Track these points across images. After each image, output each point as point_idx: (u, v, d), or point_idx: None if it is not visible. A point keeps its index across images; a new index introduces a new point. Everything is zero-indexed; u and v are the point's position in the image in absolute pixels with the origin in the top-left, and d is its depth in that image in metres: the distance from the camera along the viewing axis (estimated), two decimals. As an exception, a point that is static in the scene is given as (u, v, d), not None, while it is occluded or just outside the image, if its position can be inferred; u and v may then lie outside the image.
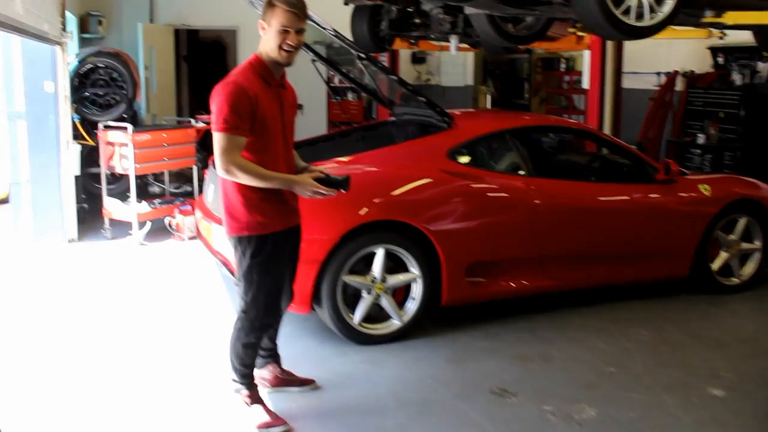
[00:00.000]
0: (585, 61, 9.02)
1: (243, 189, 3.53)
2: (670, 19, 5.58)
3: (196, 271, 6.72)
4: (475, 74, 15.04)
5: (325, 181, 3.59)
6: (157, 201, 8.28)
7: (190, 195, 8.95)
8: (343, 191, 3.63)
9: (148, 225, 7.88)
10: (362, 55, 5.57)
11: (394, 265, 5.00)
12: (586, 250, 5.73)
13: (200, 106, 11.41)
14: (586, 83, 9.05)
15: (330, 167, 4.88)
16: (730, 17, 6.10)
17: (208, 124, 8.89)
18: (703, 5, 5.96)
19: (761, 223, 6.30)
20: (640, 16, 5.45)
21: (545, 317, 5.64)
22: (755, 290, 6.38)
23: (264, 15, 3.50)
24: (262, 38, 3.55)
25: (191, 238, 7.75)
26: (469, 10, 7.05)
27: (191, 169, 8.70)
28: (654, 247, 5.99)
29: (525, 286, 5.46)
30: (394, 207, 4.98)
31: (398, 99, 6.62)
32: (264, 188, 3.51)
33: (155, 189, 9.49)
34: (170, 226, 7.90)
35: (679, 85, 11.77)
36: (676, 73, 11.84)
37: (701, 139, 10.29)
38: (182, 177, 9.62)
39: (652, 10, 5.45)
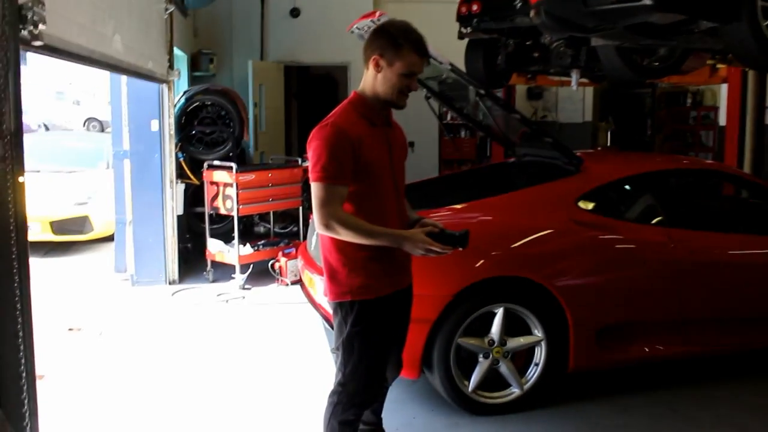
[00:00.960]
0: (722, 95, 8.24)
1: (345, 247, 3.06)
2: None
3: (297, 322, 6.30)
4: (594, 110, 14.31)
5: (440, 236, 3.06)
6: (261, 243, 7.96)
7: (295, 236, 8.63)
8: (460, 249, 3.10)
9: (251, 267, 7.55)
10: (482, 92, 5.06)
11: (514, 326, 4.43)
12: (732, 312, 4.98)
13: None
14: (723, 119, 8.25)
15: (442, 216, 4.39)
16: None
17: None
18: None
19: None
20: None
21: (687, 390, 4.90)
22: None
23: (382, 51, 3.03)
24: (373, 76, 3.09)
25: (294, 282, 7.38)
26: (595, 41, 6.46)
27: (297, 209, 8.36)
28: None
29: (662, 352, 4.76)
30: (515, 261, 4.42)
31: (519, 138, 6.07)
32: (369, 246, 3.03)
33: (260, 229, 9.22)
34: (273, 269, 7.56)
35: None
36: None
37: None
38: (288, 216, 9.33)
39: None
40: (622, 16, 5.02)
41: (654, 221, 4.92)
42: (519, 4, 7.96)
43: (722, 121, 8.34)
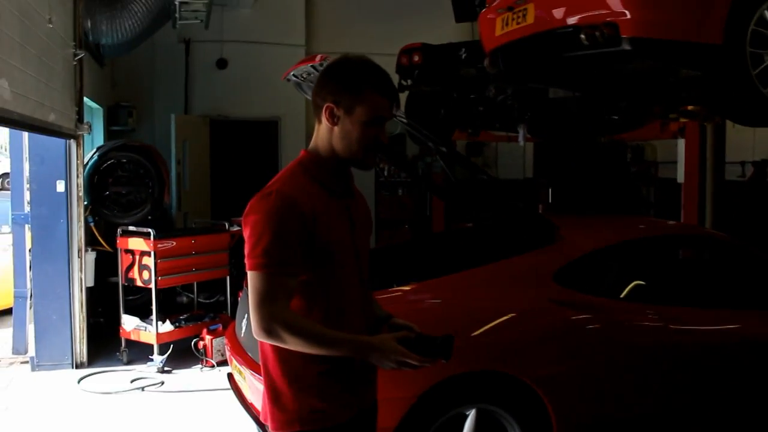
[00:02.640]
0: (680, 150, 7.79)
1: (291, 359, 2.28)
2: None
3: (225, 415, 5.43)
4: (534, 166, 13.88)
5: (417, 344, 2.30)
6: (183, 318, 7.06)
7: (222, 307, 7.74)
8: (444, 361, 2.35)
9: (171, 347, 6.64)
10: (443, 149, 4.38)
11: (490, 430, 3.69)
12: (724, 405, 4.33)
13: (241, 206, 10.36)
14: (681, 176, 7.79)
15: (391, 298, 3.68)
16: None
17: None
18: None
19: None
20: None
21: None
22: None
23: (337, 97, 2.31)
24: (328, 130, 2.36)
25: (221, 363, 6.52)
26: (554, 93, 5.92)
27: (224, 279, 7.49)
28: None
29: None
30: (486, 353, 3.71)
31: (477, 200, 5.40)
32: (324, 357, 2.27)
33: (183, 299, 8.30)
34: (197, 348, 6.66)
35: (770, 175, 10.48)
36: (765, 163, 10.57)
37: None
38: (214, 284, 8.44)
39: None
40: (596, 63, 4.47)
41: (643, 298, 4.26)
42: (464, 55, 7.42)
43: (681, 178, 7.84)
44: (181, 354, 6.72)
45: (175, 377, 6.38)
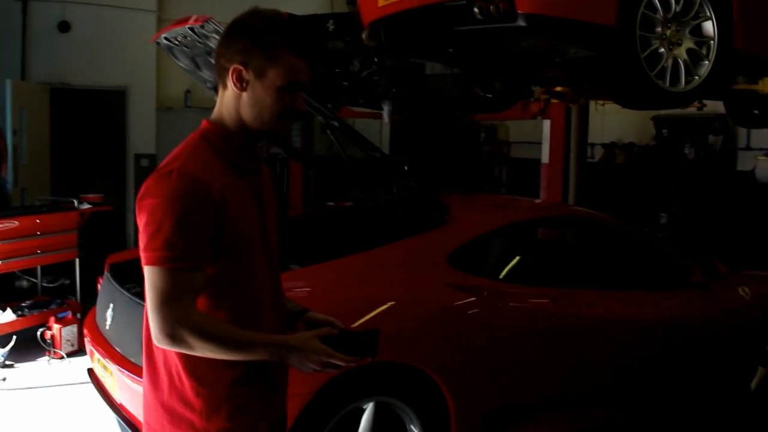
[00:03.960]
0: (544, 131, 7.86)
1: (198, 366, 1.95)
2: (708, 85, 4.49)
3: (79, 413, 4.94)
4: (390, 144, 13.79)
5: (341, 341, 2.04)
6: (25, 305, 6.40)
7: (70, 291, 7.11)
8: (370, 358, 2.09)
9: (14, 338, 5.98)
10: (335, 123, 4.07)
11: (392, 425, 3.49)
12: (615, 382, 4.37)
13: (85, 182, 9.63)
14: (545, 156, 7.88)
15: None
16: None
17: (96, 205, 7.16)
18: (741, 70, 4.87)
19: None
20: (674, 80, 4.36)
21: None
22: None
23: (246, 58, 1.97)
24: (235, 97, 2.01)
25: (72, 354, 5.98)
26: (432, 68, 5.75)
27: (73, 261, 6.86)
28: (692, 370, 4.71)
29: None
30: (384, 343, 3.46)
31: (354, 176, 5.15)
32: (237, 362, 1.96)
33: (23, 284, 7.57)
34: (44, 338, 6.06)
35: (620, 157, 10.89)
36: (614, 145, 10.98)
37: (664, 218, 9.27)
38: (59, 267, 7.75)
39: (688, 73, 4.37)
40: (488, 39, 4.31)
41: (539, 281, 4.17)
42: (332, 27, 7.12)
43: (545, 158, 7.93)
44: (25, 345, 6.07)
45: (19, 372, 5.76)
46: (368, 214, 4.89)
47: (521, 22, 3.92)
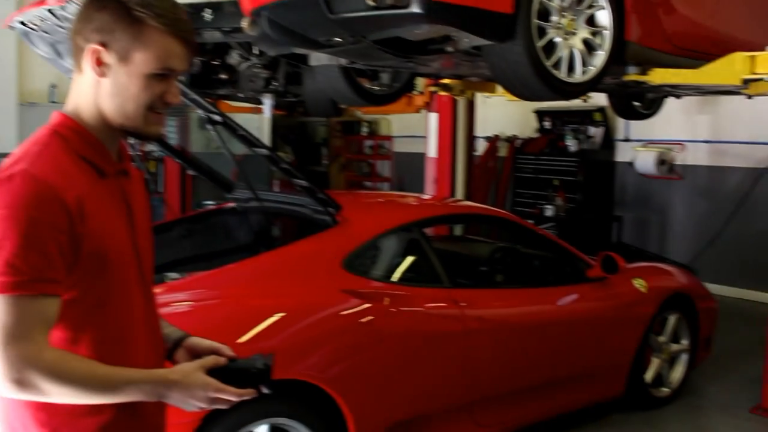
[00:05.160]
0: (430, 125, 7.69)
1: (55, 417, 1.59)
2: (602, 75, 4.42)
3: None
4: (273, 140, 13.40)
5: (231, 372, 1.72)
6: None
7: None
8: (266, 391, 1.79)
9: None
10: (217, 118, 3.71)
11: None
12: (520, 382, 4.25)
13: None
14: (432, 150, 7.71)
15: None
16: (658, 76, 5.02)
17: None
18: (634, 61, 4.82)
19: (688, 318, 5.21)
20: (571, 70, 4.27)
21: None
22: (685, 398, 5.27)
23: (108, 37, 1.60)
24: (94, 83, 1.64)
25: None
26: (318, 60, 5.46)
27: None
28: (591, 365, 4.68)
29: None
30: (276, 359, 3.17)
31: (236, 177, 4.81)
32: (104, 407, 1.61)
33: None
34: None
35: (502, 150, 10.91)
36: (497, 138, 10.99)
37: (550, 211, 9.30)
38: None
39: (584, 63, 4.29)
40: (379, 26, 4.06)
41: (438, 283, 3.96)
42: (209, 16, 6.72)
43: (432, 152, 7.76)
44: None
45: None
46: (254, 215, 4.55)
47: (416, 9, 3.69)
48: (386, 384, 3.52)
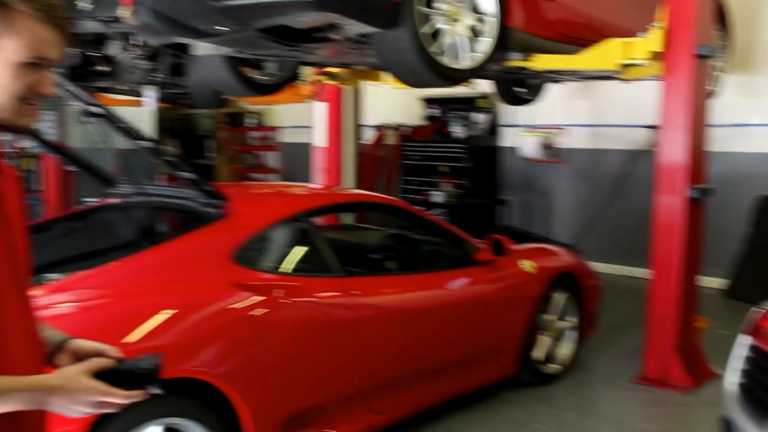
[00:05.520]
0: (317, 114, 7.67)
1: None
2: (488, 61, 4.52)
3: None
4: (160, 132, 13.02)
5: (118, 374, 1.64)
6: None
7: None
8: (155, 391, 1.72)
9: None
10: (100, 110, 3.55)
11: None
12: (415, 367, 4.30)
13: None
14: (319, 140, 7.69)
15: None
16: (541, 61, 5.16)
17: None
18: (518, 47, 4.94)
19: (574, 296, 5.39)
20: (457, 56, 4.34)
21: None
22: (573, 373, 5.46)
23: None
24: None
25: None
26: (203, 49, 5.34)
27: None
28: (483, 346, 4.78)
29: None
30: (168, 358, 3.08)
31: (120, 171, 4.65)
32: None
33: None
34: None
35: (390, 139, 10.97)
36: (385, 126, 11.04)
37: (439, 197, 9.42)
38: None
39: (469, 50, 4.39)
40: (264, 14, 4.00)
41: (331, 272, 3.94)
42: (88, 6, 6.49)
43: (318, 141, 7.75)
44: None
45: None
46: (137, 211, 4.41)
47: (304, -4, 3.68)
48: (281, 377, 3.48)
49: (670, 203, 5.14)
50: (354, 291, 3.87)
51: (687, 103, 5.02)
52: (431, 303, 4.37)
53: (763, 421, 2.89)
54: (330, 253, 3.98)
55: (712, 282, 7.75)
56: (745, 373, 3.16)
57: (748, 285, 7.58)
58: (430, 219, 4.76)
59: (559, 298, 5.27)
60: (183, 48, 5.46)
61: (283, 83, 6.03)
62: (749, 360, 3.16)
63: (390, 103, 10.63)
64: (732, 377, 3.23)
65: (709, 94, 5.57)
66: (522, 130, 9.78)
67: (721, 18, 6.86)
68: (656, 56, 5.08)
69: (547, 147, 9.41)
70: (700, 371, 5.29)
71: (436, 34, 4.16)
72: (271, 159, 13.84)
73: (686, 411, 4.92)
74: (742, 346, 3.23)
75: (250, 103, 12.90)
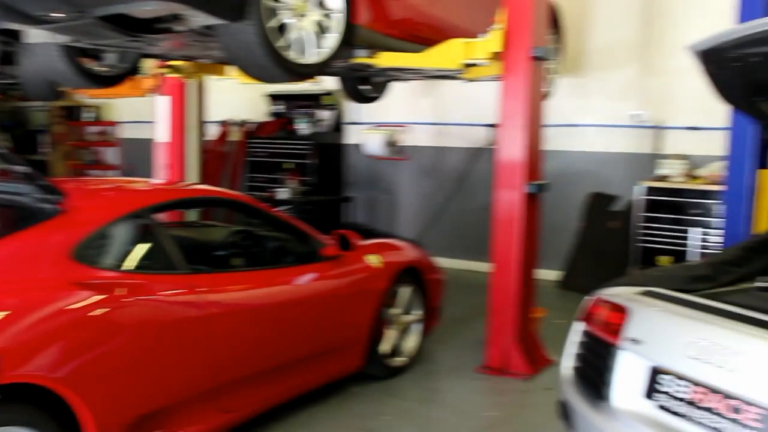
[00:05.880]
0: (159, 108, 7.44)
1: None
2: (334, 57, 4.56)
3: None
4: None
5: None
6: None
7: None
8: None
9: None
10: None
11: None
12: (263, 364, 4.26)
13: None
14: (161, 134, 7.46)
15: None
16: (385, 59, 5.23)
17: None
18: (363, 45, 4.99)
19: (420, 290, 5.53)
20: (303, 52, 4.35)
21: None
22: (419, 365, 5.60)
23: None
24: None
25: None
26: (37, 38, 5.07)
27: None
28: (331, 341, 4.79)
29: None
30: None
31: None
32: None
33: None
34: None
35: (235, 134, 10.80)
36: (229, 122, 10.87)
37: (284, 193, 9.35)
38: None
39: (316, 45, 4.41)
40: (103, 1, 3.84)
41: (175, 266, 3.83)
42: None
43: (161, 136, 7.51)
44: None
45: None
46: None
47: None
48: (125, 378, 3.35)
49: (509, 198, 5.36)
50: (200, 288, 3.78)
51: (524, 103, 5.24)
52: (278, 299, 4.35)
53: (596, 400, 3.07)
54: (174, 249, 3.87)
55: (548, 274, 8.13)
56: (579, 358, 3.34)
57: (580, 276, 8.03)
58: (276, 215, 4.73)
59: (405, 292, 5.37)
60: (14, 35, 5.15)
61: (123, 76, 5.81)
62: (582, 345, 3.34)
63: (234, 98, 10.47)
64: (567, 362, 3.40)
65: (545, 95, 5.84)
66: (366, 127, 9.89)
67: (554, 23, 7.22)
68: (496, 57, 5.27)
69: (391, 144, 9.57)
70: (538, 359, 5.55)
71: (282, 28, 4.13)
72: (110, 155, 13.30)
73: (526, 397, 5.16)
74: (576, 332, 3.40)
75: (87, 96, 12.31)
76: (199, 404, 3.78)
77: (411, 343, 5.52)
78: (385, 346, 5.21)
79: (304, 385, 4.60)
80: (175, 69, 6.38)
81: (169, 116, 7.33)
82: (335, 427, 4.52)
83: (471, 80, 6.34)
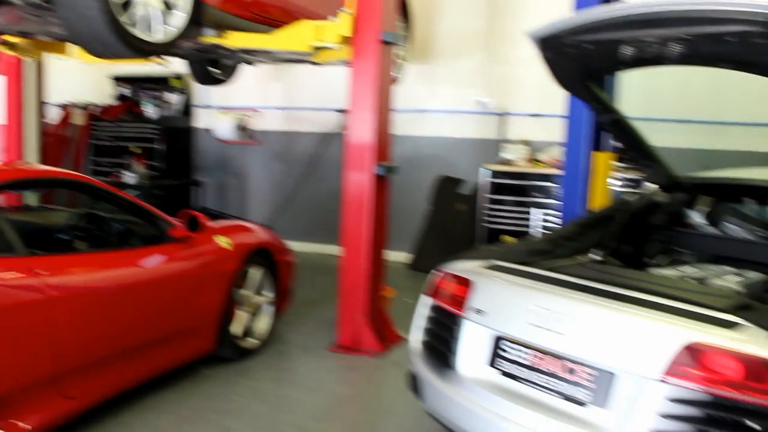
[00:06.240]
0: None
1: None
2: (182, 36, 4.51)
3: None
4: None
5: None
6: None
7: None
8: None
9: None
10: None
11: None
12: (109, 348, 4.15)
13: None
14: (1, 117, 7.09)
15: None
16: (234, 39, 5.18)
17: None
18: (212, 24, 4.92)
19: (271, 272, 5.55)
20: (150, 29, 4.28)
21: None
22: (272, 346, 5.64)
23: None
24: None
25: None
26: None
27: None
28: (181, 323, 4.73)
29: (43, 422, 3.64)
30: None
31: None
32: None
33: None
34: None
35: (78, 118, 10.35)
36: (71, 105, 10.41)
37: (131, 178, 9.07)
38: None
39: (163, 23, 4.34)
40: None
41: (6, 250, 3.65)
42: None
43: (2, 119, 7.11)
44: None
45: None
46: None
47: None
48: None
49: (359, 180, 5.46)
50: (40, 271, 3.64)
51: (374, 86, 5.35)
52: (124, 281, 4.24)
53: (444, 370, 3.21)
54: (11, 232, 3.71)
55: (399, 256, 8.35)
56: (427, 330, 3.48)
57: (428, 257, 8.28)
58: (121, 196, 4.60)
59: (255, 274, 5.37)
60: None
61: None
62: (430, 318, 3.48)
63: (77, 80, 10.06)
64: (416, 335, 3.54)
65: (394, 80, 5.97)
66: (216, 111, 9.74)
67: (403, 10, 7.38)
68: (345, 41, 5.34)
69: (242, 129, 9.46)
70: (388, 336, 5.70)
71: (127, 4, 4.04)
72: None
73: (377, 373, 5.29)
74: (424, 306, 3.54)
75: None
76: (41, 391, 3.65)
77: (263, 324, 5.53)
78: (236, 328, 5.20)
79: (153, 369, 4.52)
80: (11, 46, 6.05)
81: (5, 97, 6.95)
82: (186, 408, 4.48)
83: (321, 64, 6.39)
